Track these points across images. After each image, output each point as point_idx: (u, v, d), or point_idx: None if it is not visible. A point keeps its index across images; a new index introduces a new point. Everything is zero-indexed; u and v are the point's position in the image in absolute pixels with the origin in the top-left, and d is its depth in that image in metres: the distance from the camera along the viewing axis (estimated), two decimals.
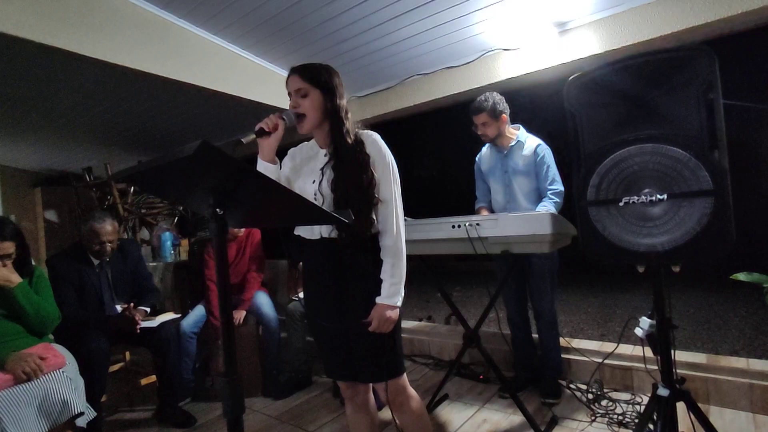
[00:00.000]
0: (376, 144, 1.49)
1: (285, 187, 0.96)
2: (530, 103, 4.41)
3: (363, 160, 1.44)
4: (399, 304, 1.45)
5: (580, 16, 2.62)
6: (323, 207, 1.41)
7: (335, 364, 1.54)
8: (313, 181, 1.48)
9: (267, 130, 1.40)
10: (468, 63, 3.13)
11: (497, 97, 2.51)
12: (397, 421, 1.57)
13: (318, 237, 1.49)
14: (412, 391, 1.57)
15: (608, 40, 2.56)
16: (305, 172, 1.54)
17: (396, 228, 1.46)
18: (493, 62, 3.03)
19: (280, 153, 1.55)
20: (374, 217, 1.46)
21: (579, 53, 2.67)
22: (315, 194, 1.47)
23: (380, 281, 1.45)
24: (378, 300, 1.44)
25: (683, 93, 1.42)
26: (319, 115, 1.46)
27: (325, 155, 1.51)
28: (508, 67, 2.98)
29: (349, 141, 1.46)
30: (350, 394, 1.63)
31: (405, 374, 1.55)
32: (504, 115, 2.53)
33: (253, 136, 1.39)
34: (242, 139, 1.36)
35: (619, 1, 2.45)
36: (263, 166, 1.45)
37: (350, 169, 1.43)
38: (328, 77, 1.47)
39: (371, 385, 1.64)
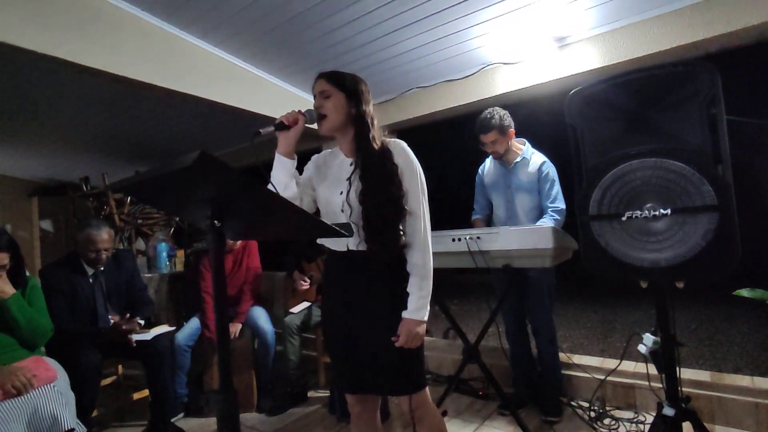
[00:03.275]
0: (405, 153, 1.46)
1: (285, 199, 0.94)
2: (529, 116, 4.43)
3: (391, 170, 1.41)
4: (426, 318, 1.42)
5: (579, 31, 2.63)
6: (351, 218, 1.41)
7: (352, 376, 1.49)
8: (341, 192, 1.45)
9: (287, 123, 1.42)
10: (467, 76, 3.14)
11: (502, 112, 2.49)
12: None
13: (345, 249, 1.47)
14: (432, 405, 1.54)
15: (607, 55, 2.57)
16: (331, 181, 1.51)
17: (424, 241, 1.43)
18: (493, 76, 3.04)
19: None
20: (401, 229, 1.44)
21: (578, 68, 2.68)
22: (342, 205, 1.44)
23: (406, 295, 1.42)
24: (405, 315, 1.40)
25: (686, 107, 1.42)
26: (341, 118, 1.45)
27: (351, 164, 1.48)
28: (508, 81, 2.98)
29: (375, 147, 1.43)
30: (359, 410, 1.59)
31: (427, 388, 1.51)
32: (511, 129, 2.52)
33: (272, 128, 1.40)
34: (261, 130, 1.38)
35: (618, 17, 2.47)
36: (280, 160, 1.44)
37: (379, 180, 1.39)
38: (353, 83, 1.47)
39: (380, 400, 1.60)
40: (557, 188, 2.51)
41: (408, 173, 1.44)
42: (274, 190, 1.40)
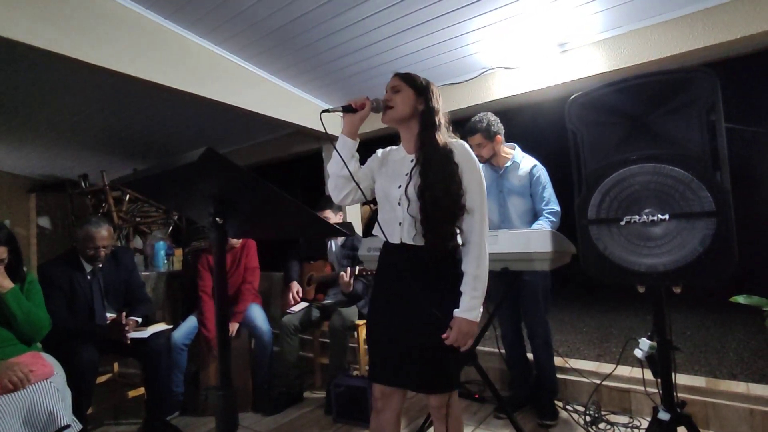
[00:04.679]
0: (466, 152, 1.48)
1: (289, 197, 0.94)
2: (529, 121, 4.45)
3: (452, 168, 1.44)
4: (478, 319, 1.42)
5: (581, 37, 2.65)
6: (408, 211, 1.44)
7: (388, 368, 1.50)
8: (399, 186, 1.49)
9: (354, 107, 1.48)
10: (468, 80, 3.16)
11: (492, 118, 2.52)
12: None
13: (398, 242, 1.49)
14: (458, 407, 1.56)
15: (608, 61, 2.59)
16: (390, 175, 1.54)
17: (481, 241, 1.43)
18: (493, 80, 3.06)
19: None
20: (458, 228, 1.46)
21: (579, 73, 2.71)
22: (400, 198, 1.47)
23: (458, 293, 1.42)
24: (457, 313, 1.41)
25: (685, 114, 1.43)
26: (407, 111, 1.49)
27: (412, 161, 1.51)
28: (508, 86, 3.00)
29: (440, 143, 1.46)
30: (381, 405, 1.57)
31: (456, 390, 1.52)
32: (498, 135, 2.53)
33: (340, 108, 1.49)
34: (329, 108, 1.47)
35: (620, 23, 2.49)
36: (343, 139, 1.51)
37: (439, 177, 1.41)
38: (426, 83, 1.53)
39: (404, 400, 1.61)
40: (550, 191, 2.53)
41: (468, 172, 1.46)
42: (341, 162, 1.49)
